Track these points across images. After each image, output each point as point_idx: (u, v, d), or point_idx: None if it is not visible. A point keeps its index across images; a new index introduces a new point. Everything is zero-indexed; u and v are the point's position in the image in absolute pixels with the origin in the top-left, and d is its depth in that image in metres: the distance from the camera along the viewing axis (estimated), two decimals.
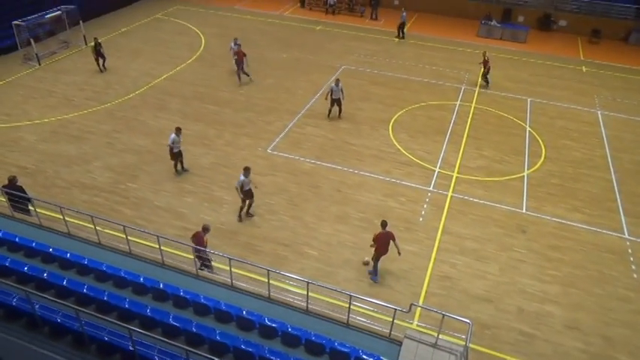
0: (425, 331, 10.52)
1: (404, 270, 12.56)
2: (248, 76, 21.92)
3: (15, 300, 8.36)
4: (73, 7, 24.77)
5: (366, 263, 12.56)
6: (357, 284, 12.05)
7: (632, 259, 13.27)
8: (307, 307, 9.51)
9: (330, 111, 19.42)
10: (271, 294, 9.80)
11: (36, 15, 23.34)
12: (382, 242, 11.92)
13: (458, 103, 21.16)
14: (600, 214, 14.86)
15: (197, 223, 13.59)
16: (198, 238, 11.32)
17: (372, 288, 11.96)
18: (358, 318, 9.38)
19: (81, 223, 12.14)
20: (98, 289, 9.03)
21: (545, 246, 13.56)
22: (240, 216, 13.97)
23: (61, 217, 11.24)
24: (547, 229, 14.21)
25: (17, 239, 10.47)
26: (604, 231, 14.23)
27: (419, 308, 11.32)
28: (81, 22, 25.08)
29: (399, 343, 8.61)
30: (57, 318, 8.10)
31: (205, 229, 11.38)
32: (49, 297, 8.02)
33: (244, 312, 8.90)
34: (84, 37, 25.13)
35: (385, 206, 14.69)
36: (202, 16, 30.63)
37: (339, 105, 19.14)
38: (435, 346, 8.43)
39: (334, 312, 9.59)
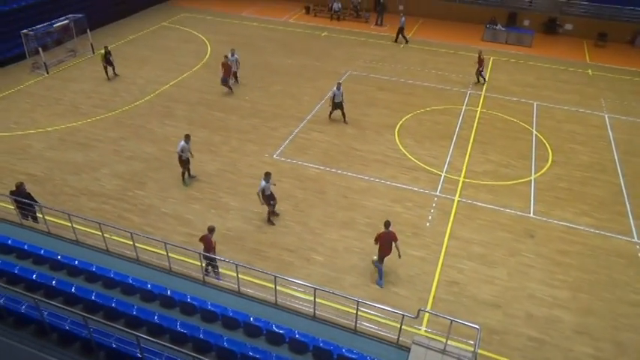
0: (433, 337, 10.45)
1: (411, 275, 12.51)
2: (229, 88, 21.53)
3: (24, 307, 8.42)
4: (80, 16, 25.03)
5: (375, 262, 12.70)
6: (364, 290, 12.01)
7: None
8: (314, 313, 9.49)
9: (331, 113, 19.54)
10: (278, 300, 9.79)
11: (44, 24, 23.59)
12: (384, 242, 11.99)
13: (464, 107, 21.12)
14: (609, 218, 14.74)
15: (203, 230, 13.59)
16: (206, 240, 11.40)
17: (379, 294, 11.92)
18: (366, 324, 9.34)
19: (89, 230, 12.21)
20: (106, 296, 9.07)
21: (553, 250, 13.46)
22: (270, 220, 14.15)
23: (70, 224, 11.32)
24: (555, 233, 14.11)
25: (26, 247, 10.55)
26: (613, 235, 14.11)
27: (427, 314, 11.26)
28: (88, 30, 25.33)
29: (407, 350, 8.57)
30: (65, 325, 8.13)
31: (211, 230, 11.45)
32: (57, 304, 8.07)
33: (251, 318, 8.90)
34: (91, 45, 25.38)
35: (392, 211, 14.65)
36: (208, 24, 30.85)
37: (342, 109, 19.21)
38: (443, 352, 8.37)
39: (341, 318, 9.57)
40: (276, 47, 27.38)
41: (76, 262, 10.13)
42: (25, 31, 22.71)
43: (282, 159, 17.15)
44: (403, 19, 28.25)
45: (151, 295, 9.56)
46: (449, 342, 8.39)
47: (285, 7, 34.41)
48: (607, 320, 11.45)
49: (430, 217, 14.58)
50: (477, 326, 8.18)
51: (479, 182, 16.22)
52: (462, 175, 16.53)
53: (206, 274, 11.73)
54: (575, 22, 29.98)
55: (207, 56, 25.64)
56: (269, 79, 23.36)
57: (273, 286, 9.65)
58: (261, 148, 17.74)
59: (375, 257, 12.50)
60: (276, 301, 9.79)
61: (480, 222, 14.45)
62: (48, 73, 23.15)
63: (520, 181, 16.36)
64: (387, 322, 10.11)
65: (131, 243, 10.80)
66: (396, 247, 11.88)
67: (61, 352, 8.14)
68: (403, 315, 8.61)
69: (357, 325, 9.16)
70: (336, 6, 32.19)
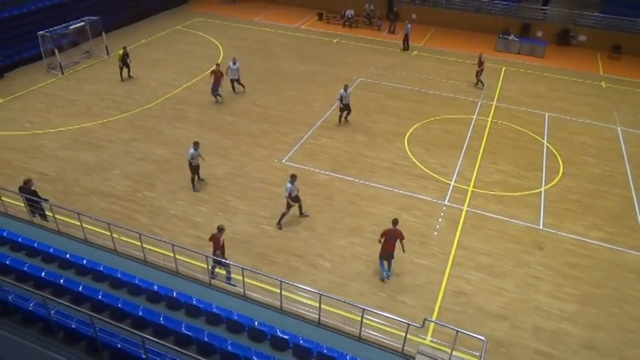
0: (438, 347, 10.38)
1: (417, 285, 12.44)
2: (217, 98, 21.16)
3: (32, 305, 8.49)
4: (96, 18, 25.38)
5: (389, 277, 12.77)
6: (370, 297, 11.97)
7: None
8: (319, 319, 9.47)
9: (340, 117, 19.80)
10: (283, 305, 9.78)
11: (60, 26, 23.96)
12: (388, 239, 12.20)
13: (474, 117, 21.05)
14: (620, 232, 14.57)
15: (211, 232, 13.68)
16: (215, 239, 11.44)
17: (384, 302, 11.86)
18: (370, 332, 9.30)
19: (98, 230, 12.31)
20: (113, 296, 9.13)
21: (562, 263, 13.32)
22: (303, 215, 14.53)
23: (79, 223, 11.43)
24: (564, 246, 13.96)
25: (36, 244, 10.66)
26: (624, 249, 13.93)
27: (432, 324, 11.19)
28: (103, 33, 25.68)
29: (412, 359, 8.51)
30: (72, 324, 8.19)
31: (220, 230, 11.52)
32: (64, 302, 8.13)
33: (256, 323, 8.90)
34: (106, 47, 25.71)
35: (399, 219, 14.56)
36: (222, 28, 31.12)
37: (349, 111, 19.58)
38: None
39: (346, 325, 9.53)
40: (289, 53, 27.53)
41: (85, 262, 10.21)
42: (41, 32, 23.08)
43: (292, 164, 17.20)
44: (409, 26, 28.37)
45: (157, 296, 9.60)
46: (454, 353, 8.33)
47: (298, 14, 34.61)
48: (615, 335, 11.29)
49: (438, 226, 14.51)
50: (483, 338, 8.10)
51: (488, 192, 16.12)
52: (471, 185, 16.45)
53: (212, 277, 11.77)
54: (589, 34, 29.79)
55: (219, 60, 25.83)
56: (280, 84, 23.48)
57: (279, 291, 9.65)
58: (271, 153, 17.80)
59: (386, 273, 12.62)
60: (281, 306, 9.78)
61: (489, 232, 14.35)
62: (63, 73, 23.48)
63: (530, 192, 16.24)
64: (392, 330, 10.06)
65: (139, 244, 10.87)
66: (402, 244, 12.20)
67: (67, 351, 8.19)
68: (408, 324, 8.56)
69: (362, 332, 9.13)
70: (349, 13, 32.31)
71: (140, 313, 8.68)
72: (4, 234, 11.02)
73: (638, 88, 24.79)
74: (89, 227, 11.96)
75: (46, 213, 12.69)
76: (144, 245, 10.88)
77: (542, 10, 31.11)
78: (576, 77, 25.75)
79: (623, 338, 11.23)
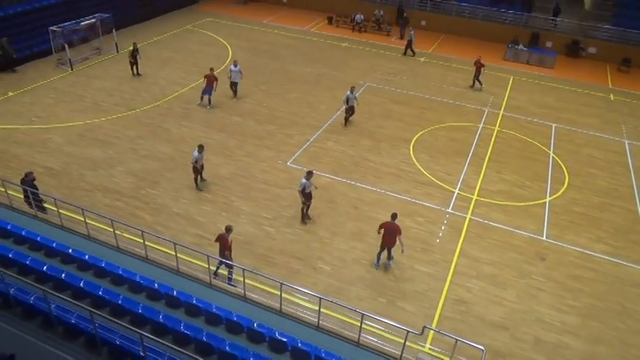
0: (437, 355, 10.34)
1: (418, 292, 12.39)
2: (202, 99, 20.80)
3: (32, 298, 8.52)
4: (107, 15, 25.57)
5: (390, 266, 13.11)
6: (370, 302, 11.93)
7: None
8: (318, 323, 9.45)
9: (346, 119, 20.00)
10: (283, 307, 9.77)
11: (72, 22, 24.14)
12: (387, 232, 12.50)
13: (481, 125, 21.00)
14: (624, 246, 14.46)
15: (213, 232, 13.71)
16: (223, 239, 11.44)
17: (384, 307, 11.82)
18: (369, 337, 9.28)
19: (101, 226, 12.37)
20: (113, 293, 9.15)
21: (565, 275, 13.24)
22: (304, 219, 14.51)
23: (83, 219, 11.48)
24: (568, 258, 13.88)
25: (39, 238, 10.71)
26: (628, 263, 13.83)
27: (432, 331, 11.13)
28: (114, 30, 25.85)
29: None
30: (72, 319, 8.21)
31: (228, 230, 11.52)
32: (65, 297, 8.15)
33: (255, 324, 8.89)
34: (116, 44, 25.87)
35: (402, 225, 14.50)
36: (231, 29, 31.24)
37: (352, 111, 19.82)
38: None
39: (345, 330, 9.51)
40: (297, 55, 27.60)
41: (87, 257, 10.25)
42: (53, 27, 23.26)
43: (296, 166, 17.21)
44: (412, 32, 28.48)
45: (157, 294, 9.62)
46: None
47: (308, 17, 34.70)
48: (617, 350, 11.19)
49: (440, 234, 14.47)
50: (482, 347, 8.06)
51: (492, 201, 16.06)
52: (476, 193, 16.39)
53: (214, 277, 11.78)
54: (599, 46, 29.68)
55: (228, 60, 25.91)
56: (287, 86, 23.53)
57: (279, 293, 9.64)
58: (275, 155, 17.82)
59: (391, 262, 12.98)
60: (280, 308, 9.77)
61: (491, 241, 14.29)
62: (72, 69, 23.63)
63: (534, 202, 16.16)
64: (391, 337, 10.02)
65: (141, 241, 10.91)
66: (400, 240, 12.39)
67: (66, 346, 8.20)
68: (408, 331, 8.53)
69: (361, 338, 9.10)
70: (359, 18, 32.37)
71: (140, 311, 8.69)
72: (8, 227, 11.08)
73: None
74: (92, 223, 12.02)
75: (45, 205, 12.73)
76: (146, 243, 10.91)
77: (552, 20, 31.05)
78: (585, 89, 25.65)
79: (625, 353, 11.14)
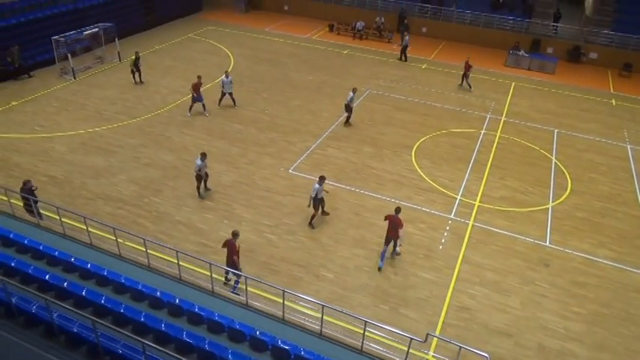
0: None
1: (421, 298, 12.34)
2: (190, 109, 20.85)
3: (35, 307, 8.51)
4: (110, 24, 25.75)
5: (398, 254, 13.58)
6: (373, 310, 11.87)
7: None
8: (321, 330, 9.41)
9: (347, 118, 20.70)
10: (285, 315, 9.74)
11: (74, 31, 24.31)
12: (391, 225, 12.89)
13: (483, 131, 21.00)
14: (628, 252, 14.39)
15: (215, 240, 13.72)
16: (230, 245, 11.40)
17: (387, 315, 11.76)
18: (372, 345, 9.23)
19: (103, 234, 12.37)
20: (115, 301, 9.13)
21: (569, 281, 13.16)
22: (312, 224, 14.62)
23: (85, 227, 11.49)
24: (571, 264, 13.81)
25: (41, 247, 10.72)
26: (632, 269, 13.75)
27: (435, 338, 11.06)
28: (116, 39, 26.01)
29: None
30: (74, 328, 8.20)
31: (235, 235, 11.50)
32: (67, 306, 8.14)
33: (258, 332, 8.85)
34: (118, 53, 26.02)
35: (404, 231, 14.53)
36: (233, 37, 31.41)
37: (350, 112, 20.49)
38: None
39: (348, 337, 9.46)
40: (298, 63, 27.71)
41: (89, 266, 10.24)
42: (55, 37, 23.43)
43: (298, 173, 17.22)
44: (407, 37, 28.66)
45: (159, 302, 9.59)
46: None
47: (309, 25, 34.88)
48: (622, 357, 11.10)
49: (443, 240, 14.42)
50: (486, 354, 8.01)
51: (495, 207, 16.02)
52: (478, 200, 16.36)
53: (226, 282, 11.75)
54: (600, 51, 29.72)
55: (229, 69, 26.03)
56: (289, 93, 23.60)
57: (282, 301, 9.61)
58: (277, 162, 17.84)
59: (399, 249, 13.55)
60: (283, 316, 9.74)
61: (494, 248, 14.24)
62: (75, 78, 23.76)
63: (537, 208, 16.11)
64: (395, 344, 9.97)
65: (144, 249, 10.90)
66: (400, 234, 12.87)
67: (68, 355, 8.19)
68: (411, 338, 8.49)
69: (364, 345, 9.05)
70: (360, 25, 32.52)
71: (142, 319, 8.67)
72: (11, 236, 11.10)
73: None
74: (95, 231, 12.02)
75: (41, 212, 12.77)
76: (148, 251, 10.90)
77: (553, 26, 31.12)
78: (586, 94, 25.65)
79: None
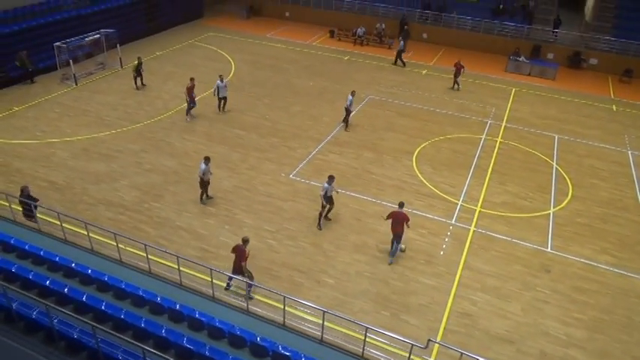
0: None
1: (422, 304, 12.30)
2: (189, 112, 21.15)
3: (35, 313, 8.51)
4: (112, 31, 25.88)
5: (403, 250, 13.89)
6: (374, 316, 11.84)
7: None
8: (322, 336, 9.38)
9: (346, 120, 20.96)
10: (286, 321, 9.72)
11: (76, 38, 24.43)
12: (395, 221, 13.23)
13: (483, 137, 21.02)
14: (630, 258, 14.35)
15: (216, 245, 13.73)
16: (240, 251, 11.37)
17: (388, 321, 11.73)
18: (373, 351, 9.21)
19: (104, 240, 12.37)
20: (116, 307, 9.12)
21: (570, 287, 13.12)
22: (319, 224, 14.79)
23: (86, 233, 11.49)
24: (573, 269, 13.78)
25: (42, 252, 10.72)
26: (633, 275, 13.71)
27: (436, 345, 11.03)
28: (118, 45, 26.13)
29: None
30: (74, 333, 8.19)
31: (245, 241, 11.50)
32: (67, 312, 8.14)
33: (258, 338, 8.83)
34: (120, 59, 26.13)
35: (405, 238, 14.50)
36: (234, 43, 31.54)
37: (348, 114, 20.83)
38: None
39: (349, 343, 9.44)
40: (299, 69, 27.80)
41: (90, 271, 10.24)
42: (57, 43, 23.54)
43: (298, 179, 17.23)
44: (402, 42, 28.82)
45: (160, 308, 9.58)
46: None
47: (310, 31, 35.02)
48: None
49: (444, 246, 14.40)
50: None
51: (496, 213, 16.01)
52: (479, 205, 16.35)
53: (227, 288, 11.71)
54: (600, 57, 29.79)
55: (231, 74, 26.14)
56: (290, 99, 23.67)
57: (282, 307, 9.59)
58: (278, 167, 17.86)
59: (403, 246, 13.78)
60: (284, 321, 9.72)
61: (495, 253, 14.21)
62: (77, 84, 23.85)
63: (538, 214, 16.10)
64: (396, 350, 9.94)
65: (144, 255, 10.90)
66: (407, 225, 13.25)
67: None
68: (412, 344, 8.46)
69: (365, 351, 9.02)
70: (360, 31, 32.64)
71: (142, 325, 8.66)
72: (12, 241, 11.11)
73: None
74: (96, 237, 12.02)
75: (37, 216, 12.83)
76: (149, 256, 10.90)
77: (553, 32, 31.22)
78: (587, 100, 25.69)
79: None
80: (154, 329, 8.60)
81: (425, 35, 33.51)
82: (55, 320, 8.26)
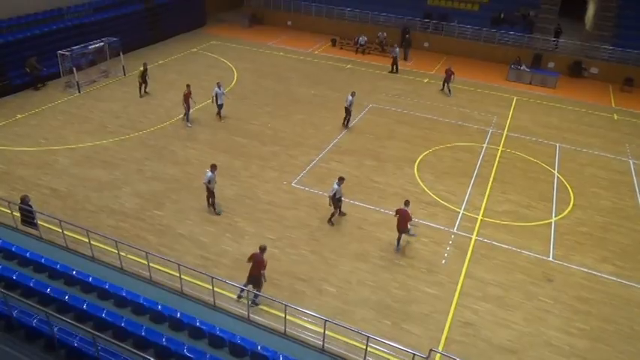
0: None
1: (424, 314, 12.25)
2: (187, 118, 21.35)
3: (35, 321, 8.49)
4: (115, 39, 26.06)
5: (414, 234, 14.41)
6: (375, 325, 11.79)
7: None
8: (323, 345, 9.34)
9: (346, 120, 21.56)
10: (287, 330, 9.68)
11: (80, 46, 24.59)
12: (400, 218, 13.82)
13: (485, 145, 21.04)
14: (632, 267, 14.29)
15: (217, 253, 13.71)
16: (257, 259, 11.30)
17: (390, 330, 11.67)
18: None
19: (105, 247, 12.37)
20: (116, 315, 9.10)
21: (572, 297, 13.06)
22: (331, 221, 15.29)
23: (87, 240, 11.49)
24: (575, 279, 13.72)
25: (43, 260, 10.72)
26: (635, 285, 13.64)
27: (438, 354, 10.97)
28: (121, 53, 26.29)
29: None
30: (74, 342, 8.16)
31: (263, 249, 11.47)
32: (68, 320, 8.12)
33: (259, 347, 8.80)
34: (123, 67, 26.28)
35: (407, 246, 14.50)
36: (236, 52, 31.70)
37: (349, 115, 21.36)
38: None
39: (350, 353, 9.39)
40: (301, 77, 27.92)
41: (90, 279, 10.23)
42: (61, 51, 23.69)
43: (300, 187, 17.24)
44: (397, 49, 29.07)
45: (160, 316, 9.56)
46: None
47: (312, 39, 35.20)
48: None
49: (446, 255, 14.36)
50: None
51: (498, 222, 15.98)
52: (481, 214, 16.32)
53: (238, 299, 11.60)
54: (601, 66, 29.87)
55: (233, 83, 26.25)
56: (292, 107, 23.74)
57: (283, 315, 9.56)
58: (280, 175, 17.88)
59: (411, 230, 14.18)
60: (285, 330, 9.69)
61: (497, 262, 14.17)
62: (80, 92, 23.97)
63: (540, 223, 16.06)
64: None
65: (145, 262, 10.89)
66: (409, 225, 13.83)
67: None
68: (414, 354, 8.42)
69: None
70: (362, 40, 32.81)
71: (143, 333, 8.63)
72: (13, 249, 11.11)
73: None
74: (97, 244, 12.02)
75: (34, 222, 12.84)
76: (150, 264, 10.89)
77: (554, 41, 31.34)
78: (588, 109, 25.72)
79: None
80: (154, 338, 8.57)
81: (426, 44, 33.66)
82: (56, 328, 8.24)
